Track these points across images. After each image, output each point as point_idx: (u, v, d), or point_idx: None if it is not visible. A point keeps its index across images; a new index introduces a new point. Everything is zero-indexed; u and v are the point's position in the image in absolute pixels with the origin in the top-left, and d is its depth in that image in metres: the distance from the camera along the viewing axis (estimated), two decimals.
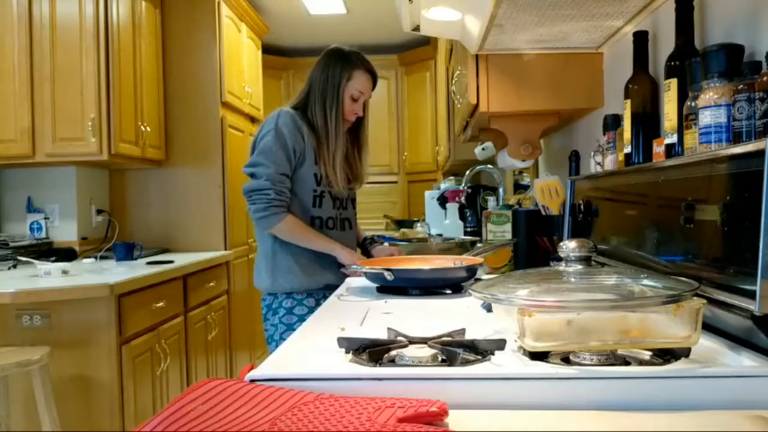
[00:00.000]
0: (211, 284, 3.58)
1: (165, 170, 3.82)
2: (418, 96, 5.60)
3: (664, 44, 1.41)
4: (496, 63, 1.95)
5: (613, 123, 1.59)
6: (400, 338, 0.97)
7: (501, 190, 3.13)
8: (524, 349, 0.88)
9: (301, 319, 1.92)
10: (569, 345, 0.85)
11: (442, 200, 3.66)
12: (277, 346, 1.90)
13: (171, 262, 3.14)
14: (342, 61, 1.99)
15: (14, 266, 2.97)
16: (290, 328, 1.93)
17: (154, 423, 0.68)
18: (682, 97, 1.17)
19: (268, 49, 5.30)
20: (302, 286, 1.95)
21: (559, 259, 0.99)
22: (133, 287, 2.57)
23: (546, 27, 1.67)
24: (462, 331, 1.00)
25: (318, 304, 1.92)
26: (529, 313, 0.82)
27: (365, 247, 2.14)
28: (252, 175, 1.91)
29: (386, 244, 2.25)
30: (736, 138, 0.97)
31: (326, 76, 1.98)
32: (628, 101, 1.41)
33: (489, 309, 1.24)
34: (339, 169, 1.97)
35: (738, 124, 0.96)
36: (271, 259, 1.97)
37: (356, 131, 2.09)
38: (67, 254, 3.24)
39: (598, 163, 1.73)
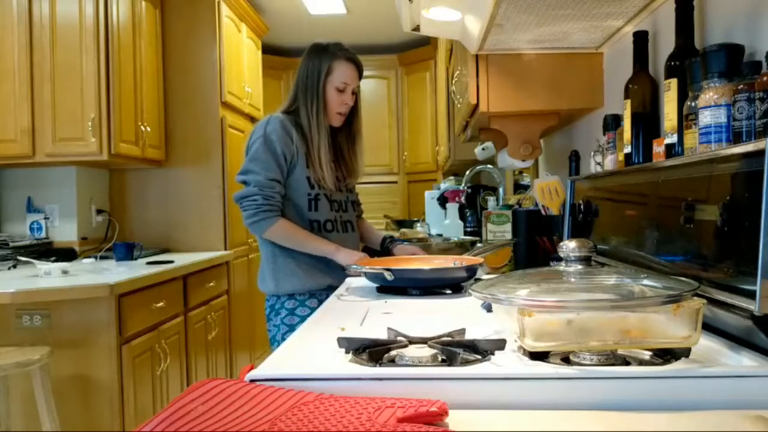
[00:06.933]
0: (211, 284, 3.58)
1: (165, 170, 3.82)
2: (418, 96, 5.60)
3: (664, 44, 1.41)
4: (496, 63, 1.95)
5: (613, 123, 1.59)
6: (400, 338, 0.97)
7: (501, 190, 3.13)
8: (524, 349, 0.88)
9: (304, 320, 1.91)
10: (569, 345, 0.85)
11: (442, 200, 3.66)
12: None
13: (171, 262, 3.14)
14: (320, 55, 1.97)
15: (14, 266, 2.97)
16: (292, 329, 1.92)
17: (154, 423, 0.68)
18: (682, 97, 1.17)
19: (268, 49, 5.30)
20: (304, 288, 1.95)
21: (559, 259, 0.99)
22: (133, 287, 2.57)
23: (546, 27, 1.67)
24: (462, 331, 1.00)
25: (321, 304, 1.91)
26: (529, 313, 0.82)
27: (386, 247, 2.10)
28: (244, 183, 1.91)
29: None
30: (736, 138, 0.97)
31: (307, 73, 1.97)
32: (628, 101, 1.41)
33: (489, 309, 1.24)
34: (326, 165, 1.94)
35: (738, 124, 0.96)
36: (273, 263, 1.96)
37: (349, 124, 2.06)
38: (67, 254, 3.25)
39: (598, 163, 1.73)
